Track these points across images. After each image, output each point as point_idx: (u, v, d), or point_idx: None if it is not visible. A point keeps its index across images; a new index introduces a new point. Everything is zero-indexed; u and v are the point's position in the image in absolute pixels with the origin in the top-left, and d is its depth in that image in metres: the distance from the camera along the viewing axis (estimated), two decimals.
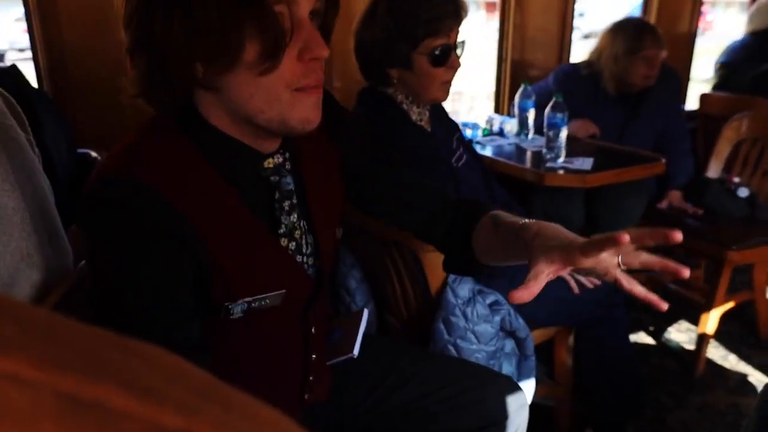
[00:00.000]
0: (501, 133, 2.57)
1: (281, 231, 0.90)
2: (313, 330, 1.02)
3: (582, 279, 1.67)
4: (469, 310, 1.46)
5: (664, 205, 2.49)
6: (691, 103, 3.50)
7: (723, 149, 2.60)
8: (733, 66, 3.21)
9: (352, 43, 1.58)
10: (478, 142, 2.46)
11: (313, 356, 1.04)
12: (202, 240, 0.79)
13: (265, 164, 0.88)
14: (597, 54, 2.42)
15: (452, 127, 1.77)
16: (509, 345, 1.56)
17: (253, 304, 0.86)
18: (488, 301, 1.50)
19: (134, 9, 0.75)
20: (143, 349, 0.19)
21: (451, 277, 1.46)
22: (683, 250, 2.44)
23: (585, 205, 2.34)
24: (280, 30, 0.74)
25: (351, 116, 1.11)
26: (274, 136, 0.86)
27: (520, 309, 1.54)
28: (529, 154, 2.27)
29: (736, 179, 2.47)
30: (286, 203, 0.90)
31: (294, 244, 0.93)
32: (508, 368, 1.55)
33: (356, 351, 1.14)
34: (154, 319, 0.80)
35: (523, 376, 1.56)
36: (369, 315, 1.28)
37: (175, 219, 0.76)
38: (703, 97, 3.33)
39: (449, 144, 1.69)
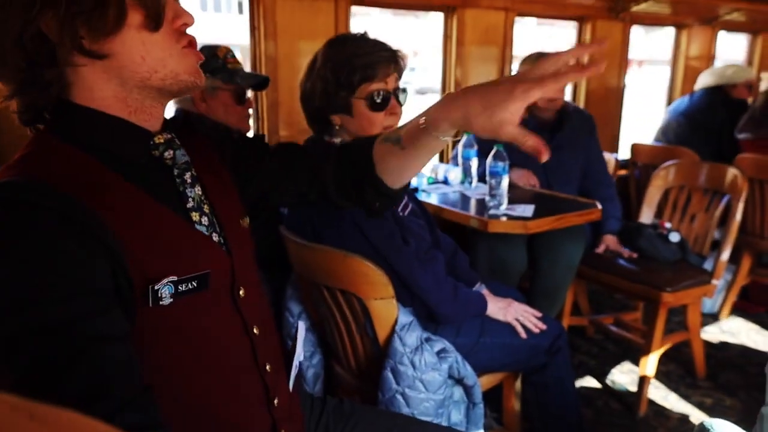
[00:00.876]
0: (445, 181, 2.63)
1: (189, 205, 0.89)
2: (255, 331, 0.96)
3: (528, 324, 1.70)
4: (417, 359, 1.45)
5: (601, 249, 2.59)
6: (624, 153, 3.72)
7: (653, 196, 2.74)
8: (678, 119, 3.53)
9: (294, 98, 1.63)
10: (423, 190, 2.50)
11: (267, 366, 0.97)
12: (107, 227, 0.76)
13: (156, 140, 0.88)
14: None
15: None
16: (458, 393, 1.55)
17: (180, 287, 0.82)
18: (436, 348, 1.50)
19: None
20: (56, 416, 0.18)
21: (399, 325, 1.45)
22: (622, 293, 2.53)
23: (527, 251, 2.40)
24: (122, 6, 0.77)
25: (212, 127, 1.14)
26: (160, 103, 0.87)
27: (468, 356, 1.54)
28: (473, 202, 2.33)
29: (668, 225, 2.60)
30: (187, 175, 0.91)
31: (206, 219, 0.91)
32: (457, 416, 1.53)
33: (300, 352, 1.11)
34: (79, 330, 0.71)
35: (472, 424, 1.54)
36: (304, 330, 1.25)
37: (77, 209, 0.74)
38: (634, 147, 3.54)
39: None
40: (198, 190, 0.91)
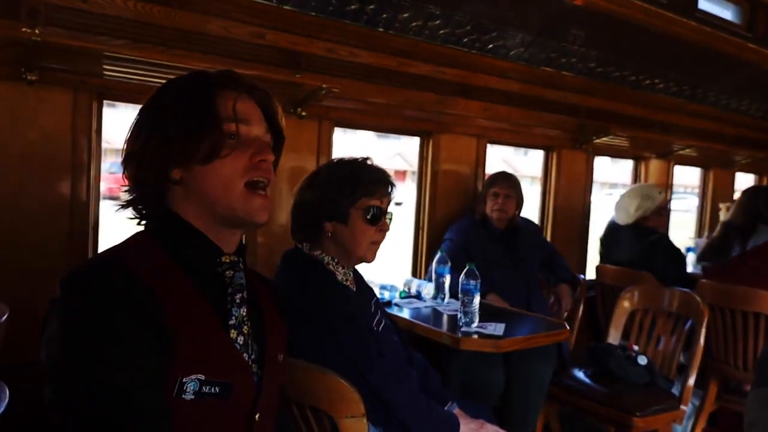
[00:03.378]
0: (418, 295, 2.66)
1: (231, 322, 1.01)
2: None
3: None
4: None
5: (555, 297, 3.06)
6: (590, 273, 3.83)
7: (620, 318, 2.80)
8: (609, 244, 3.66)
9: (274, 208, 1.70)
10: (396, 304, 2.53)
11: None
12: (163, 312, 0.90)
13: (222, 259, 1.03)
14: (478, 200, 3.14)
15: (370, 293, 1.86)
16: None
17: (204, 388, 0.92)
18: None
19: (129, 134, 1.01)
20: None
21: None
22: (593, 416, 2.50)
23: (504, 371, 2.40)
24: (220, 141, 0.99)
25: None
26: (230, 229, 1.03)
27: None
28: (445, 318, 2.36)
29: (635, 347, 2.64)
30: (238, 296, 1.03)
31: (242, 338, 1.02)
32: None
33: None
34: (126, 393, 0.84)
35: None
36: None
37: (142, 291, 0.89)
38: (598, 268, 3.66)
39: (369, 308, 1.75)
40: (243, 311, 1.04)
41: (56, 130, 2.18)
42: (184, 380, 0.89)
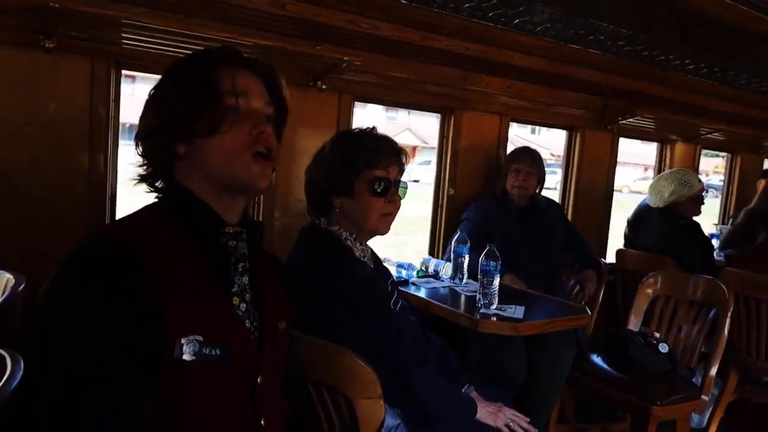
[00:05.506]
0: (436, 275, 2.63)
1: (234, 289, 1.06)
2: (263, 422, 1.05)
3: (519, 430, 1.65)
4: None
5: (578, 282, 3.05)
6: (610, 257, 3.76)
7: (641, 305, 2.74)
8: (637, 227, 3.57)
9: (293, 181, 1.80)
10: (413, 283, 2.49)
11: None
12: (162, 281, 0.94)
13: (227, 230, 1.07)
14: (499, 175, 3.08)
15: (386, 272, 1.82)
16: None
17: (204, 350, 0.95)
18: None
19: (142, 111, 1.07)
20: None
21: (386, 428, 1.39)
22: (611, 403, 2.46)
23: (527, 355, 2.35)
24: (220, 116, 1.03)
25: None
26: (232, 196, 1.07)
27: None
28: (463, 299, 2.32)
29: (657, 334, 2.59)
30: (240, 265, 1.08)
31: (244, 305, 1.06)
32: None
33: None
34: (101, 391, 0.87)
35: None
36: None
37: (134, 271, 0.92)
38: (619, 253, 3.59)
39: (386, 287, 1.71)
40: (245, 279, 1.08)
41: (74, 98, 2.15)
42: (182, 341, 0.93)
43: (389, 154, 1.64)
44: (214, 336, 0.97)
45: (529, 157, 2.95)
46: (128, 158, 1.13)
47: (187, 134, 1.03)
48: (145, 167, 1.08)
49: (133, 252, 0.94)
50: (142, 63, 2.30)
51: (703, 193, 3.46)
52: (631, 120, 3.67)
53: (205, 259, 1.03)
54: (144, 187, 1.09)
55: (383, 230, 1.65)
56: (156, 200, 1.10)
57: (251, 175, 1.04)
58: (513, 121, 3.35)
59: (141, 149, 1.08)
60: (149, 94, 1.08)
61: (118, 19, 2.02)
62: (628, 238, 3.66)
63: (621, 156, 4.04)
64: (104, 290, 0.90)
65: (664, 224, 3.38)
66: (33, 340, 0.91)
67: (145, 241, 0.98)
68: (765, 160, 5.08)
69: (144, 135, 1.07)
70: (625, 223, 3.71)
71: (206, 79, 1.04)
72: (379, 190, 1.61)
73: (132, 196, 1.24)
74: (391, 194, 1.64)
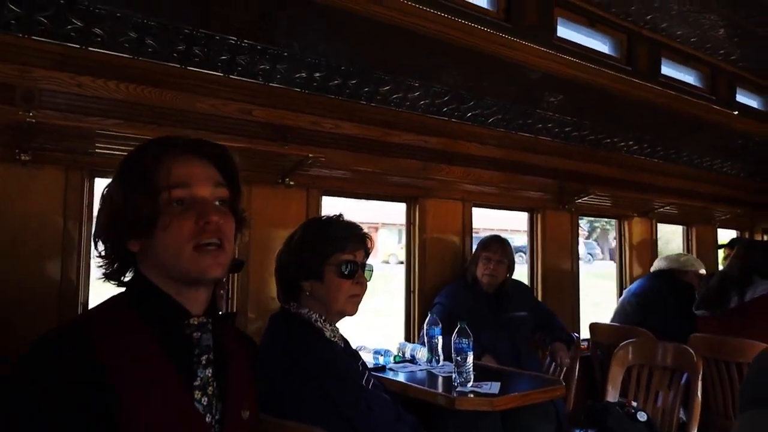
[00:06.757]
0: (412, 359, 2.64)
1: (196, 383, 1.02)
2: None
3: None
4: None
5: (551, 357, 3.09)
6: (584, 333, 3.82)
7: (616, 375, 2.77)
8: (630, 300, 3.72)
9: (266, 279, 1.90)
10: (390, 369, 2.50)
11: None
12: (115, 381, 0.91)
13: (191, 321, 1.04)
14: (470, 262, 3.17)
15: (356, 355, 1.86)
16: None
17: None
18: None
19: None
20: None
21: None
22: None
23: None
24: (159, 210, 1.01)
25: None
26: (190, 287, 1.05)
27: None
28: (440, 380, 2.32)
29: (634, 403, 2.60)
30: (204, 357, 1.04)
31: (206, 399, 1.02)
32: None
33: None
34: None
35: None
36: None
37: (87, 354, 0.91)
38: (592, 327, 3.66)
39: (356, 367, 1.74)
40: (209, 372, 1.05)
41: (48, 208, 2.20)
42: None
43: (356, 240, 1.74)
44: (170, 430, 0.95)
45: (500, 245, 3.07)
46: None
47: (133, 232, 1.02)
48: (107, 266, 1.06)
49: (82, 339, 0.92)
50: (116, 169, 2.40)
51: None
52: (586, 198, 3.88)
53: (166, 350, 1.00)
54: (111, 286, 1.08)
55: (351, 311, 1.71)
56: (121, 292, 1.09)
57: (200, 267, 1.01)
58: (475, 206, 3.50)
59: (99, 247, 1.06)
60: (102, 192, 1.08)
61: (92, 131, 2.13)
62: (623, 307, 3.84)
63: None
64: (53, 382, 0.88)
65: (667, 281, 3.78)
66: None
67: (99, 329, 0.96)
68: (718, 229, 5.32)
69: (98, 233, 1.06)
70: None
71: (143, 174, 1.02)
72: (346, 273, 1.68)
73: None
74: (358, 276, 1.71)
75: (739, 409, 1.01)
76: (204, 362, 1.04)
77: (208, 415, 1.02)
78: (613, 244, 4.81)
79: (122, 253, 1.05)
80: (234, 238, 1.09)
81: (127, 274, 1.08)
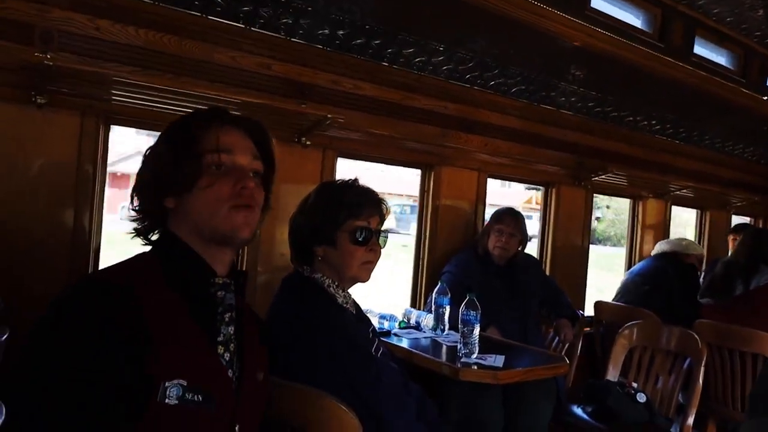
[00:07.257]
0: (417, 326, 2.65)
1: (220, 339, 1.09)
2: None
3: None
4: None
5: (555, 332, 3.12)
6: (588, 310, 3.82)
7: (618, 355, 2.78)
8: (635, 279, 3.72)
9: (276, 236, 1.95)
10: (395, 334, 2.51)
11: None
12: (149, 322, 0.97)
13: (216, 280, 1.12)
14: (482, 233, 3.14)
15: (367, 321, 1.86)
16: None
17: (187, 395, 0.98)
18: None
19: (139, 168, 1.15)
20: None
21: None
22: None
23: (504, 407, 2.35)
24: (201, 171, 1.10)
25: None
26: (219, 247, 1.12)
27: None
28: (444, 349, 2.34)
29: (634, 384, 2.62)
30: (227, 315, 1.12)
31: (228, 355, 1.10)
32: None
33: None
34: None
35: None
36: None
37: (130, 303, 0.97)
38: (597, 305, 3.65)
39: (366, 334, 1.74)
40: (231, 329, 1.12)
41: (62, 154, 2.19)
42: (166, 384, 0.96)
43: (370, 206, 1.71)
44: (198, 382, 1.00)
45: (513, 218, 3.03)
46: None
47: (174, 189, 1.10)
48: (139, 221, 1.14)
49: (129, 292, 0.99)
50: (131, 118, 2.38)
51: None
52: (603, 177, 3.82)
53: (193, 307, 1.07)
54: (127, 243, 1.15)
55: (364, 278, 1.70)
56: (148, 250, 1.15)
57: (233, 225, 1.09)
58: (490, 177, 3.46)
59: (135, 203, 1.14)
60: (144, 153, 1.16)
61: (109, 77, 2.10)
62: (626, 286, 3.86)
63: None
64: (99, 325, 0.93)
65: (669, 262, 3.81)
66: (19, 368, 0.94)
67: (138, 284, 1.02)
68: (732, 215, 5.26)
69: (137, 189, 1.14)
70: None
71: (190, 138, 1.11)
72: (360, 240, 1.66)
73: (114, 251, 1.31)
74: (372, 243, 1.69)
75: (749, 412, 1.00)
76: (227, 320, 1.12)
77: (230, 370, 1.09)
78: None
79: (157, 210, 1.12)
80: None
81: (154, 235, 1.15)
